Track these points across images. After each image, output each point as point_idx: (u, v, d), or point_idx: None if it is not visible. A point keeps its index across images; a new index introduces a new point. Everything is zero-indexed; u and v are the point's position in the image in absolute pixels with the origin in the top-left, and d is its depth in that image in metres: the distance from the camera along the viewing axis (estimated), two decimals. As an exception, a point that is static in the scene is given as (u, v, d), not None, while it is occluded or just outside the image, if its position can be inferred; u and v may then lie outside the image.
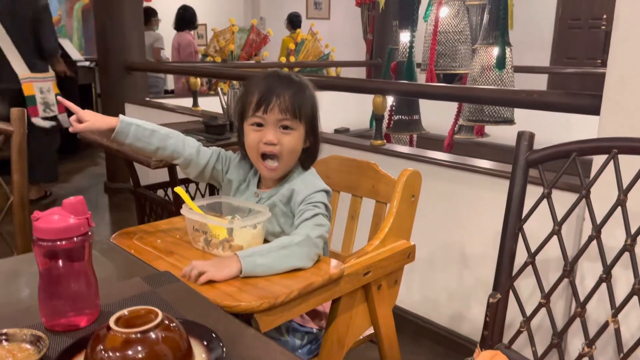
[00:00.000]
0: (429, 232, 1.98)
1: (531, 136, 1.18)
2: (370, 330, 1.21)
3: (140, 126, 1.16)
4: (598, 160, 1.37)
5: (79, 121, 1.12)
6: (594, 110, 1.47)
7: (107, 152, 3.83)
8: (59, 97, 1.22)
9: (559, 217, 1.11)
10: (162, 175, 2.33)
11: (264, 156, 1.13)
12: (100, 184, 4.21)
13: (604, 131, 1.43)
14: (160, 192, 2.54)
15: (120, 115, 1.15)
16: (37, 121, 3.51)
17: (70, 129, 1.13)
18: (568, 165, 1.12)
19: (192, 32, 5.40)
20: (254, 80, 1.15)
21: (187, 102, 3.57)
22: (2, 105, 3.39)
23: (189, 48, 5.23)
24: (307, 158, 1.19)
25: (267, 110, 1.09)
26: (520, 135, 1.18)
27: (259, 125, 1.12)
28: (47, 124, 3.57)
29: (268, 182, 1.20)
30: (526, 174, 1.17)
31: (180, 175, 2.31)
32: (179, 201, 2.22)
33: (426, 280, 2.05)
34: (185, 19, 5.20)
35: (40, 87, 3.53)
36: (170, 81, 6.25)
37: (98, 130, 1.13)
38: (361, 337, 1.21)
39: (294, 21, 5.90)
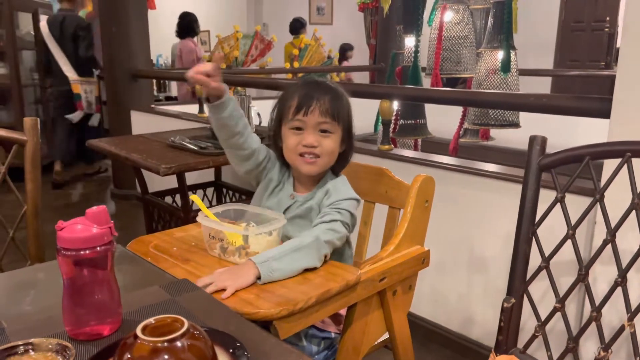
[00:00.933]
0: (439, 237, 1.97)
1: (544, 140, 1.18)
2: (385, 336, 1.21)
3: (236, 106, 1.16)
4: (609, 163, 1.37)
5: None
6: (604, 113, 1.47)
7: (114, 159, 3.86)
8: (216, 54, 1.22)
9: (571, 221, 1.11)
10: (170, 182, 2.34)
11: (302, 154, 1.16)
12: (106, 191, 4.23)
13: (614, 135, 1.43)
14: (168, 199, 2.55)
15: (225, 86, 1.13)
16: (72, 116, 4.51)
17: (188, 74, 1.09)
18: (581, 170, 1.13)
19: (194, 39, 5.41)
20: (291, 87, 1.19)
21: (192, 108, 3.58)
22: (56, 102, 4.55)
23: (191, 55, 5.22)
24: (339, 163, 1.22)
25: (308, 112, 1.12)
26: (533, 139, 1.18)
27: (299, 128, 1.15)
28: (77, 118, 4.51)
29: (302, 186, 1.23)
30: (539, 178, 1.17)
31: (188, 182, 2.32)
32: (187, 208, 2.23)
33: (436, 285, 2.05)
34: (184, 26, 5.21)
35: (85, 88, 4.48)
36: (174, 88, 6.28)
37: (210, 88, 1.09)
38: (376, 343, 1.21)
39: (292, 26, 5.92)
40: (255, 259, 0.98)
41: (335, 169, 1.23)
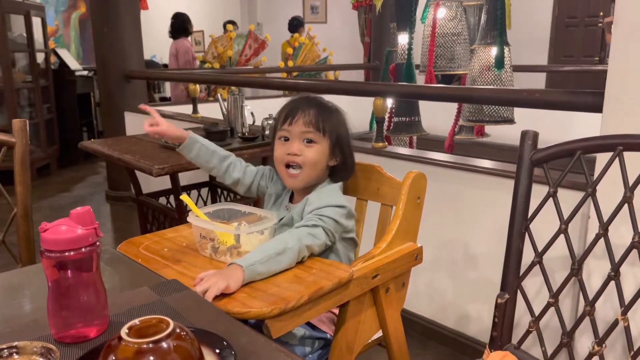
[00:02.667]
0: (433, 234, 1.97)
1: (535, 135, 1.17)
2: (378, 334, 1.20)
3: (204, 145, 1.29)
4: (602, 157, 1.37)
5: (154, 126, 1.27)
6: (596, 107, 1.47)
7: (108, 161, 3.84)
8: (141, 106, 1.36)
9: (564, 216, 1.10)
10: (164, 182, 2.32)
11: (288, 166, 1.21)
12: (101, 193, 4.21)
13: (606, 128, 1.43)
14: (162, 200, 2.54)
15: (190, 132, 1.29)
16: None
17: (145, 129, 1.27)
18: (573, 164, 1.12)
19: (189, 38, 5.39)
20: (287, 101, 1.26)
21: (186, 109, 3.57)
22: None
23: (187, 55, 5.22)
24: (336, 176, 1.25)
25: (292, 122, 1.18)
26: (524, 134, 1.17)
27: (286, 139, 1.20)
28: None
29: (298, 196, 1.26)
30: (531, 173, 1.17)
31: (182, 182, 2.31)
32: (181, 209, 2.22)
33: (431, 282, 2.05)
34: (177, 27, 5.20)
35: None
36: (167, 89, 6.26)
37: (168, 137, 1.27)
38: (370, 341, 1.20)
39: (289, 25, 5.92)
40: (242, 262, 0.96)
41: (333, 179, 1.26)
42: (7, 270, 1.05)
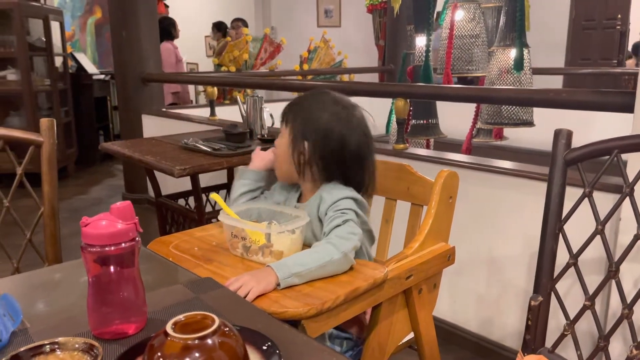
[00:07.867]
0: (457, 236, 1.94)
1: (569, 134, 1.15)
2: (410, 336, 1.18)
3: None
4: (634, 158, 1.34)
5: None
6: (627, 107, 1.44)
7: (128, 162, 3.86)
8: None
9: (596, 217, 1.08)
10: (182, 184, 2.32)
11: None
12: (118, 195, 4.23)
13: (638, 128, 1.40)
14: (181, 202, 2.53)
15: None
16: None
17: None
18: (609, 164, 1.10)
19: (174, 41, 5.20)
20: None
21: (204, 111, 3.57)
22: None
23: (170, 58, 4.97)
24: (306, 171, 1.16)
25: None
26: (558, 133, 1.15)
27: None
28: None
29: (305, 196, 1.21)
30: (565, 173, 1.14)
31: (203, 183, 2.31)
32: (201, 210, 2.21)
33: (454, 285, 2.02)
34: (160, 30, 5.03)
35: None
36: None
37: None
38: (400, 343, 1.18)
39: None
40: (280, 273, 0.93)
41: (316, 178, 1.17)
42: (34, 269, 1.04)
